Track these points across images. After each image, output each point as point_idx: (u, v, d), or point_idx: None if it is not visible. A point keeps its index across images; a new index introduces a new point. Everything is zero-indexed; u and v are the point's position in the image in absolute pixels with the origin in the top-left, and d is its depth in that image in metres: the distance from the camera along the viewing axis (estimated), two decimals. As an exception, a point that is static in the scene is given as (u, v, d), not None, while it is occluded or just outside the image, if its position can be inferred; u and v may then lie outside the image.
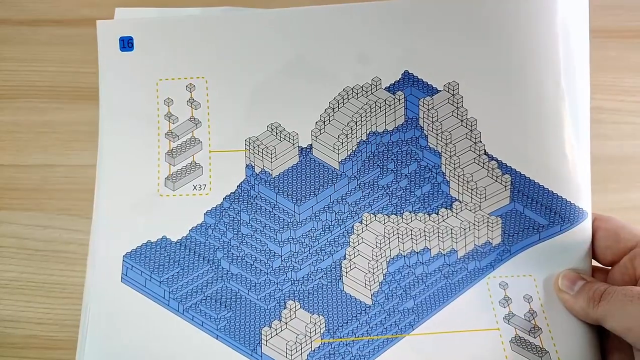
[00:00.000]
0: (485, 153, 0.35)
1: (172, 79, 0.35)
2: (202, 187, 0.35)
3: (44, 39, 0.47)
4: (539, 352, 0.33)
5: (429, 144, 0.36)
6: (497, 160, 0.35)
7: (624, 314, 0.30)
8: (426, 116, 0.36)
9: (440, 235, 0.35)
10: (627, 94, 0.48)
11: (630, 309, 0.30)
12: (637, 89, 0.47)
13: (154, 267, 0.33)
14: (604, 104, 0.47)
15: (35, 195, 0.43)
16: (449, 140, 0.36)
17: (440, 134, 0.36)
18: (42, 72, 0.44)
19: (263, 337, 0.32)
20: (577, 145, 0.35)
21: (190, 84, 0.35)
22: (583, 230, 0.35)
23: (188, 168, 0.35)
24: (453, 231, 0.35)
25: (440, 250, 0.35)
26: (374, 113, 0.36)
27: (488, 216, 0.36)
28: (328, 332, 0.33)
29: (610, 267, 0.36)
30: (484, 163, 0.36)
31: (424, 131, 0.36)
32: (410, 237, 0.35)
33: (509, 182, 0.35)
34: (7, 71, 0.46)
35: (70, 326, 0.41)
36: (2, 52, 0.46)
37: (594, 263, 0.36)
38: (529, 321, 0.34)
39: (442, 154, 0.36)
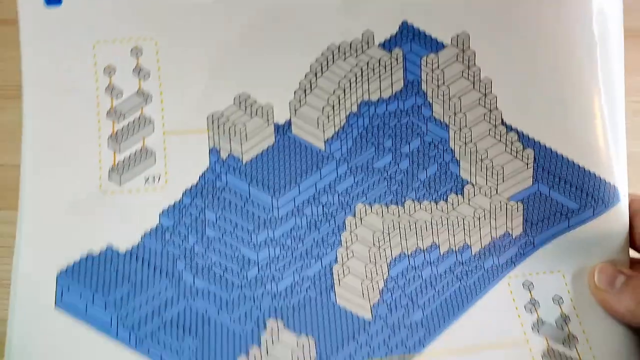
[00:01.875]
0: (503, 123, 0.29)
1: (113, 40, 0.28)
2: (156, 179, 0.28)
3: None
4: (576, 366, 0.28)
5: (433, 114, 0.30)
6: (516, 131, 0.29)
7: None
8: (430, 79, 0.29)
9: (450, 227, 0.30)
10: (627, 94, 0.46)
11: None
12: (637, 89, 0.46)
13: (98, 286, 0.27)
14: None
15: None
16: (458, 109, 0.29)
17: (447, 101, 0.29)
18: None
19: (239, 368, 0.26)
20: (610, 111, 0.29)
21: (136, 47, 0.28)
22: (619, 213, 0.30)
23: (137, 155, 0.29)
24: (465, 222, 0.29)
25: (451, 246, 0.29)
26: (366, 77, 0.29)
27: (507, 201, 0.30)
28: (319, 358, 0.27)
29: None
30: (501, 135, 0.29)
31: (428, 98, 0.29)
32: (414, 231, 0.29)
33: (532, 159, 0.29)
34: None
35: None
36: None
37: (632, 254, 0.31)
38: (562, 329, 0.29)
39: (450, 125, 0.30)
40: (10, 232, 0.40)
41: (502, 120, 0.30)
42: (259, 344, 0.27)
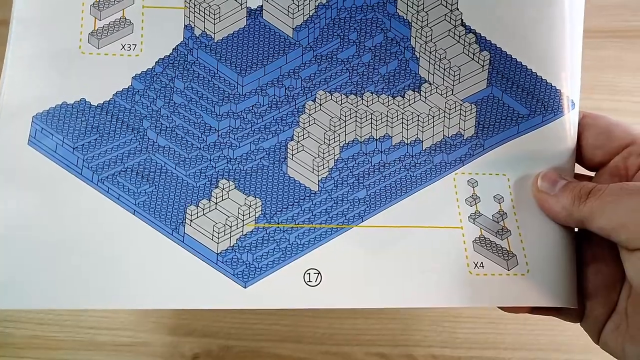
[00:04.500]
0: (462, 24, 0.32)
1: None
2: (132, 47, 0.31)
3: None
4: (505, 255, 0.31)
5: (397, 10, 0.32)
6: (475, 32, 0.32)
7: (618, 209, 0.27)
8: None
9: (404, 121, 0.32)
10: (626, 94, 0.49)
11: (628, 202, 0.27)
12: (637, 89, 0.49)
13: (68, 131, 0.30)
14: (602, 104, 0.47)
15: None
16: (421, 7, 0.32)
17: (411, -1, 0.32)
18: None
19: (187, 216, 0.30)
20: (570, 22, 0.32)
21: None
22: (569, 123, 0.32)
23: (116, 24, 0.32)
24: (420, 118, 0.32)
25: (404, 138, 0.32)
26: (337, -29, 0.32)
27: (461, 102, 0.32)
28: (264, 216, 0.30)
29: (594, 172, 0.33)
30: (460, 36, 0.32)
31: (393, -5, 0.32)
32: (370, 121, 0.32)
33: (487, 61, 0.32)
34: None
35: (71, 327, 0.43)
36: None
37: (578, 169, 0.33)
38: (497, 222, 0.31)
39: (413, 23, 0.32)
40: None
41: (462, 21, 0.32)
42: (209, 198, 0.30)
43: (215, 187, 0.31)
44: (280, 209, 0.31)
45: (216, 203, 0.30)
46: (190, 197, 0.30)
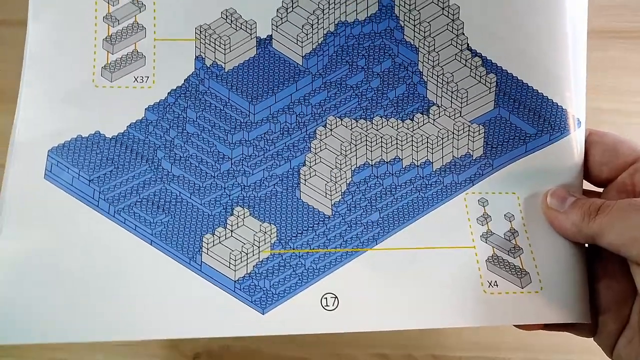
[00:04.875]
0: (468, 48, 0.33)
1: None
2: (144, 79, 0.32)
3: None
4: (518, 273, 0.31)
5: (405, 36, 0.33)
6: (481, 56, 0.33)
7: (627, 225, 0.28)
8: (402, 3, 0.33)
9: (414, 144, 0.33)
10: (628, 95, 0.49)
11: (636, 217, 0.28)
12: (637, 90, 0.49)
13: (84, 164, 0.31)
14: (603, 105, 0.48)
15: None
16: (427, 33, 0.33)
17: (418, 25, 0.33)
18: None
19: (204, 244, 0.30)
20: (573, 43, 0.32)
21: None
22: (575, 141, 0.33)
23: (129, 57, 0.33)
24: (429, 140, 0.33)
25: (414, 160, 0.33)
26: (344, 0, 0.33)
27: (469, 124, 0.33)
28: (279, 242, 0.31)
29: (602, 189, 0.33)
30: (466, 60, 0.33)
31: (400, 21, 0.33)
32: (380, 144, 0.33)
33: (494, 83, 0.33)
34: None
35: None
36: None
37: (587, 186, 0.34)
38: (509, 240, 0.32)
39: (420, 49, 0.33)
40: None
41: (468, 45, 0.33)
42: (225, 226, 0.31)
43: (231, 215, 0.31)
44: (295, 235, 0.31)
45: (232, 230, 0.31)
46: (206, 226, 0.31)
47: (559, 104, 0.33)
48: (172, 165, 0.32)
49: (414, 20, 0.33)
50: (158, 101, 0.32)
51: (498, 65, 0.33)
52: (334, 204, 0.32)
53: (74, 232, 0.30)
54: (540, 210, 0.32)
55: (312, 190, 0.32)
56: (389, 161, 0.33)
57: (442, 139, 0.33)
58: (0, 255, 0.29)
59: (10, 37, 0.47)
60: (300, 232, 0.31)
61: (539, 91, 0.33)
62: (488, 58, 0.33)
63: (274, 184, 0.32)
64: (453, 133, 0.33)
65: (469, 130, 0.33)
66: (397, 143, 0.33)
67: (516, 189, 0.33)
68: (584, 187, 0.34)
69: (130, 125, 0.32)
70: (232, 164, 0.32)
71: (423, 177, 0.33)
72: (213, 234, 0.31)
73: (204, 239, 0.30)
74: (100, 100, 0.32)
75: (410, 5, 0.33)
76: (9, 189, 0.30)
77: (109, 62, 0.32)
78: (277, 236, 0.31)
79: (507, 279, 0.31)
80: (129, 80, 0.32)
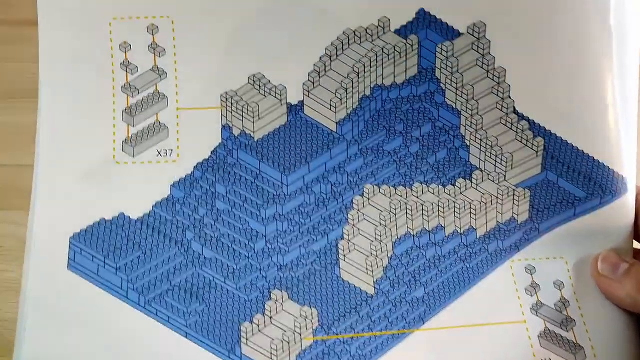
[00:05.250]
0: (515, 111, 0.31)
1: (130, 18, 0.30)
2: (169, 152, 0.30)
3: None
4: (572, 348, 0.30)
5: (446, 100, 0.31)
6: (528, 120, 0.31)
7: None
8: (444, 66, 0.31)
9: (457, 210, 0.31)
10: None
11: None
12: None
13: (109, 250, 0.29)
14: None
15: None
16: (471, 96, 0.31)
17: (460, 88, 0.31)
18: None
19: (243, 334, 0.28)
20: (623, 104, 0.31)
21: (153, 24, 0.30)
22: (626, 204, 0.31)
23: (151, 129, 0.31)
24: (472, 206, 0.31)
25: (457, 228, 0.31)
26: (381, 62, 0.31)
27: (514, 188, 0.31)
28: (322, 327, 0.29)
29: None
30: (512, 123, 0.31)
31: (441, 84, 0.31)
32: (421, 213, 0.31)
33: (542, 147, 0.31)
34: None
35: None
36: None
37: (635, 245, 0.32)
38: (561, 312, 0.30)
39: (462, 112, 0.31)
40: (10, 232, 0.43)
41: (515, 109, 0.31)
42: (263, 312, 0.29)
43: (269, 299, 0.29)
44: (337, 318, 0.29)
45: (271, 317, 0.29)
46: (244, 313, 0.29)
47: (609, 167, 0.31)
48: (203, 247, 0.30)
49: (457, 83, 0.31)
50: (184, 176, 0.30)
51: (547, 128, 0.31)
52: (376, 281, 0.30)
53: (104, 329, 0.28)
54: (591, 277, 0.31)
55: (353, 267, 0.30)
56: (431, 230, 0.31)
57: (486, 204, 0.32)
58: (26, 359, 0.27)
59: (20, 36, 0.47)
60: (343, 314, 0.29)
61: (589, 154, 0.31)
62: (536, 121, 0.31)
63: (312, 262, 0.30)
64: (497, 198, 0.32)
65: (514, 194, 0.32)
66: (439, 210, 0.31)
67: (564, 253, 0.31)
68: (635, 247, 0.32)
69: (155, 204, 0.30)
70: (266, 242, 0.30)
71: (467, 246, 0.31)
72: (251, 322, 0.29)
73: (242, 328, 0.29)
74: (122, 178, 0.30)
75: (452, 68, 0.31)
76: (31, 282, 0.28)
77: (129, 135, 0.30)
78: (318, 321, 0.29)
79: (562, 355, 0.30)
80: (152, 154, 0.30)
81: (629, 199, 0.32)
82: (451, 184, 0.32)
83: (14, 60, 0.46)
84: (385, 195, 0.31)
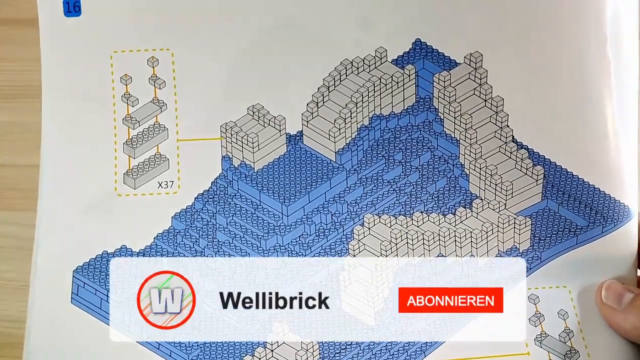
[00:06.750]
0: (513, 140, 0.32)
1: (130, 51, 0.31)
2: (169, 184, 0.31)
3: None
4: (577, 381, 0.30)
5: (444, 129, 0.32)
6: (527, 148, 0.32)
7: None
8: (442, 95, 0.32)
9: (457, 239, 0.32)
10: None
11: None
12: None
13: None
14: None
15: (35, 195, 0.42)
16: (469, 125, 0.32)
17: (458, 117, 0.32)
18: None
19: (244, 368, 0.29)
20: (623, 131, 0.31)
21: (153, 57, 0.31)
22: (629, 232, 0.32)
23: (151, 161, 0.31)
24: (473, 234, 0.32)
25: (458, 257, 0.32)
26: (379, 92, 0.32)
27: (515, 216, 0.32)
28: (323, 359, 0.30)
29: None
30: (511, 152, 0.32)
31: (439, 114, 0.32)
32: (421, 241, 0.32)
33: (542, 175, 0.32)
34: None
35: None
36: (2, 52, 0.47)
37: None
38: (565, 343, 0.31)
39: (461, 141, 0.32)
40: (10, 232, 0.43)
41: (513, 137, 0.32)
42: (265, 346, 0.30)
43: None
44: (338, 350, 0.30)
45: (272, 350, 0.30)
46: (245, 346, 0.29)
47: (611, 195, 0.32)
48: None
49: (455, 112, 0.32)
50: (185, 207, 0.31)
51: (545, 157, 0.32)
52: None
53: None
54: (595, 306, 0.31)
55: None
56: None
57: (487, 232, 0.32)
58: None
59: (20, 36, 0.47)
60: (344, 347, 0.30)
61: (590, 183, 0.32)
62: (535, 150, 0.32)
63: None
64: (498, 226, 0.32)
65: (514, 223, 0.32)
66: (439, 239, 0.32)
67: (567, 282, 0.32)
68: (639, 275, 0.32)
69: (157, 236, 0.31)
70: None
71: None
72: (253, 355, 0.29)
73: (243, 362, 0.29)
74: (124, 210, 0.31)
75: (450, 97, 0.32)
76: (35, 317, 0.29)
77: (130, 167, 0.31)
78: (319, 353, 0.30)
79: None
80: (153, 186, 0.31)
81: (632, 226, 0.32)
82: (451, 213, 0.32)
83: (14, 60, 0.47)
84: (385, 224, 0.32)
